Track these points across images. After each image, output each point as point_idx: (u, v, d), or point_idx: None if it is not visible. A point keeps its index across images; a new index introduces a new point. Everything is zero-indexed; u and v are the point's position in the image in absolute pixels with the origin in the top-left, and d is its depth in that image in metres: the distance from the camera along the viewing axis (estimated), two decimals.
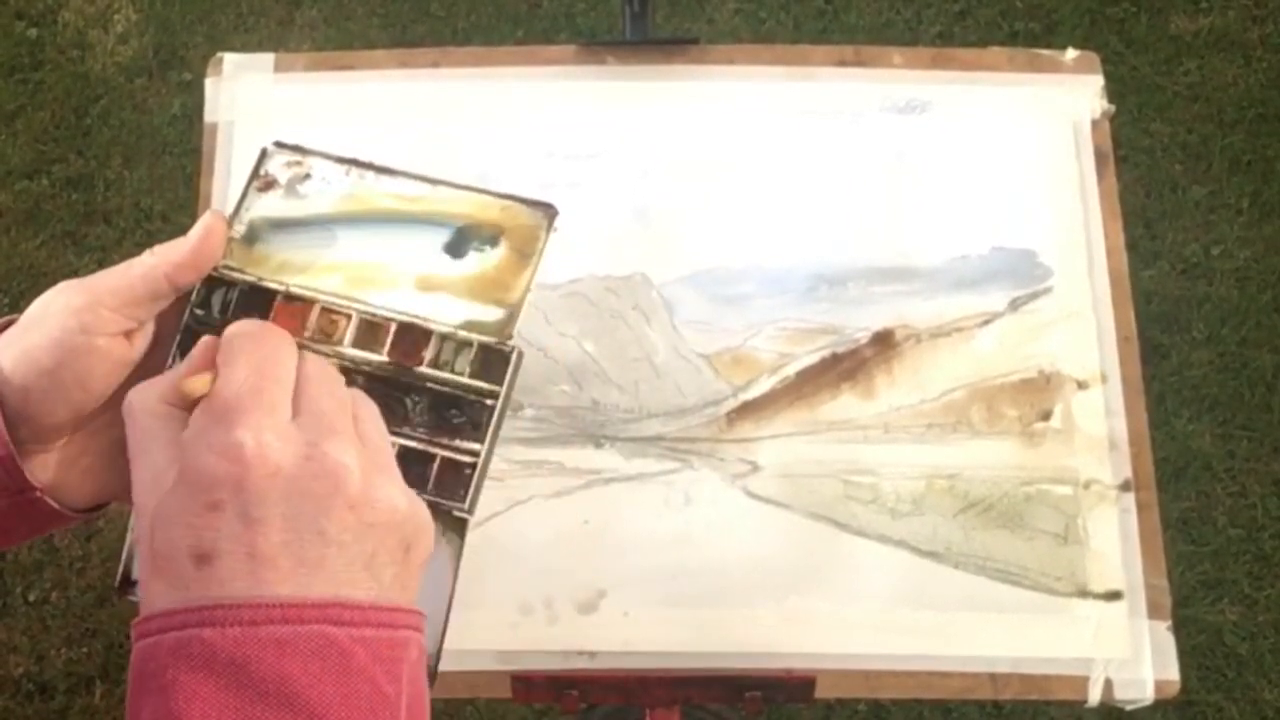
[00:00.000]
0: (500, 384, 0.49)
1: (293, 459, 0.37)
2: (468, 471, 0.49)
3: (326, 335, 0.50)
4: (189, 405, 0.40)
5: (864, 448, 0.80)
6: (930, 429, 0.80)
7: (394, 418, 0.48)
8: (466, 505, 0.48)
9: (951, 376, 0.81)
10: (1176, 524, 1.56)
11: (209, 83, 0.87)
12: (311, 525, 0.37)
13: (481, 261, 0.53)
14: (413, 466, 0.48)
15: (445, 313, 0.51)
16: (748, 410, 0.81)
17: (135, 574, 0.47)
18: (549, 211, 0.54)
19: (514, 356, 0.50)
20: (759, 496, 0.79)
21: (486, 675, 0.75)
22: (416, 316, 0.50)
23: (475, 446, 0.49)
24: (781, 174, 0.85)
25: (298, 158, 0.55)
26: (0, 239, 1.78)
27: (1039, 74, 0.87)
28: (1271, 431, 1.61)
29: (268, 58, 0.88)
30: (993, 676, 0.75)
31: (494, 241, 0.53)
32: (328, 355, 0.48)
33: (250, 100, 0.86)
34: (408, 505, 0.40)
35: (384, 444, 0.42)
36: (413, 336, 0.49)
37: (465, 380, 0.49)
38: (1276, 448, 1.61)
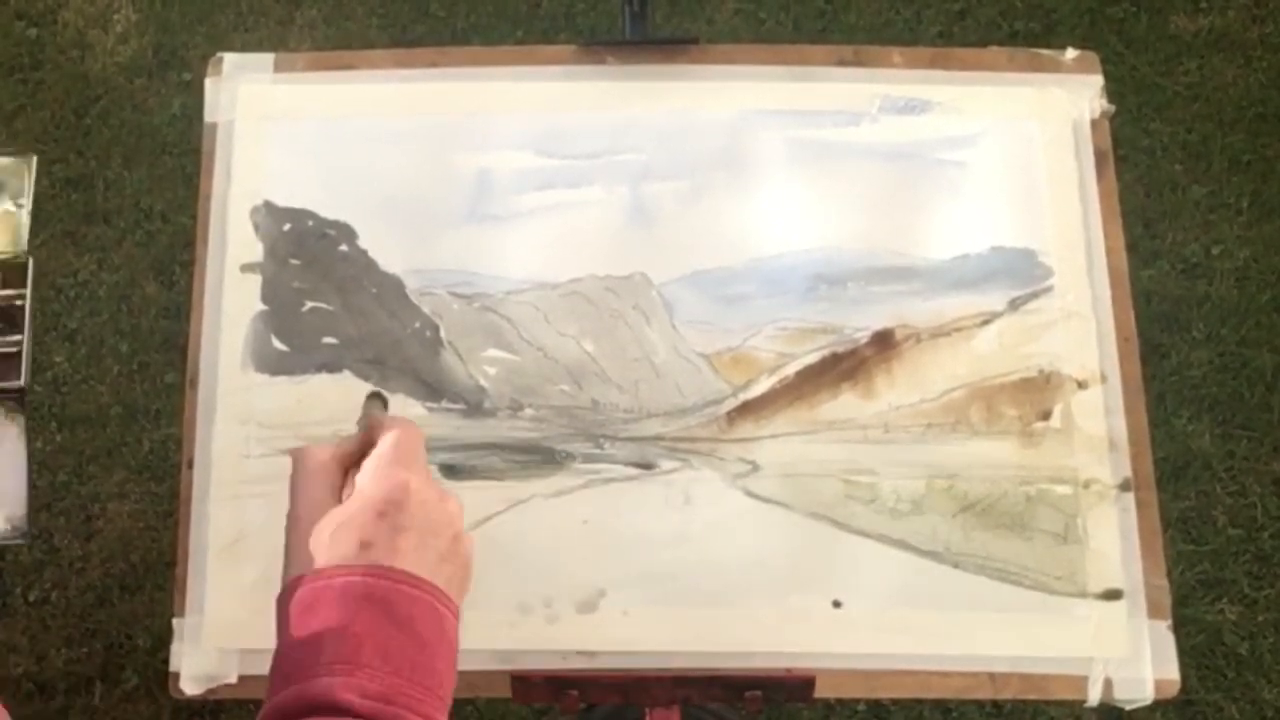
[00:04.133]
0: (24, 286, 0.69)
1: (433, 500, 0.59)
2: (18, 357, 0.67)
3: None
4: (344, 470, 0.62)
5: (864, 447, 0.80)
6: (930, 429, 0.80)
7: None
8: (22, 381, 0.66)
9: (951, 376, 0.81)
10: (1176, 524, 1.56)
11: (209, 83, 0.87)
12: (432, 540, 0.58)
13: None
14: None
15: None
16: (748, 410, 0.81)
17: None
18: (27, 156, 0.75)
19: (29, 264, 0.69)
20: (759, 496, 0.79)
21: (486, 675, 0.75)
22: None
23: (17, 337, 0.67)
24: (781, 174, 0.85)
25: None
26: None
27: (1039, 74, 0.87)
28: (1271, 431, 1.61)
29: (267, 58, 0.88)
30: (992, 676, 0.75)
31: None
32: None
33: (250, 100, 0.86)
34: (470, 558, 0.60)
35: None
36: None
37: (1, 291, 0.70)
38: (1276, 447, 1.61)
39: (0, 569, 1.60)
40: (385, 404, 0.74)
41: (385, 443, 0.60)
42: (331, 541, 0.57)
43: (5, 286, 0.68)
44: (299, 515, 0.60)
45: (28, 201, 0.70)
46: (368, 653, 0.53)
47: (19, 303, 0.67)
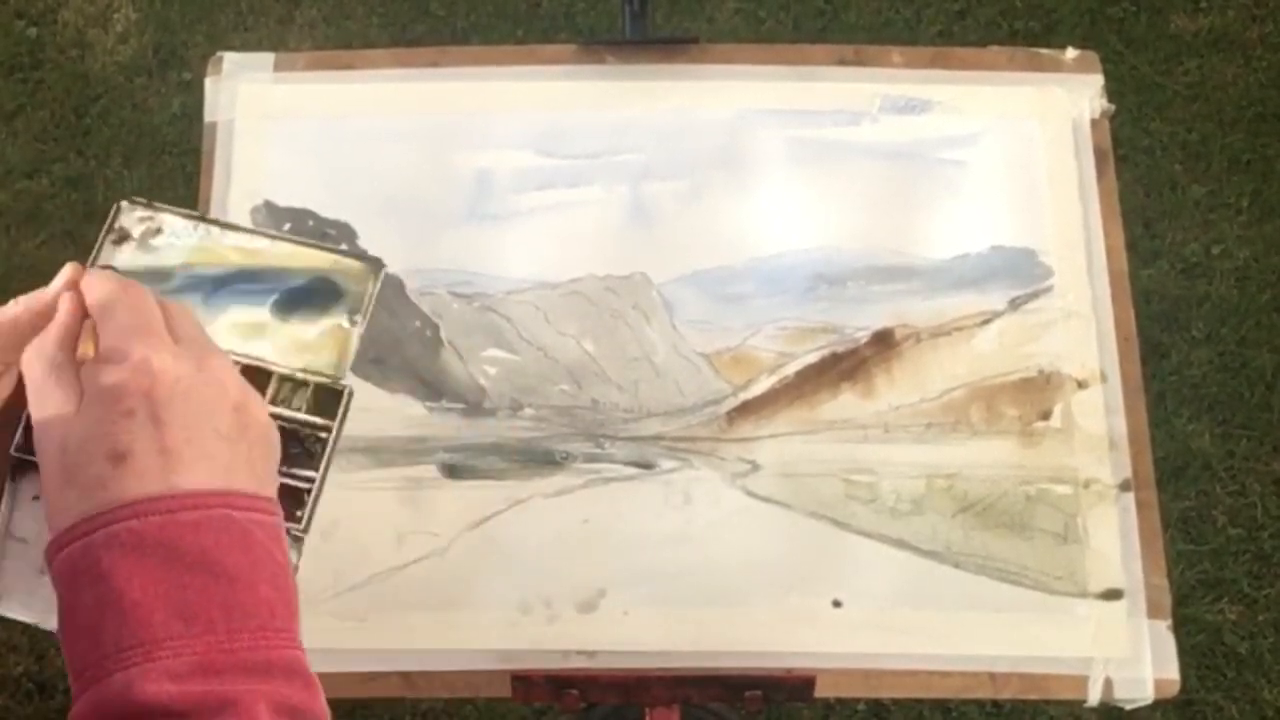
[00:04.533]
0: (333, 419, 0.56)
1: (187, 371, 0.45)
2: (305, 496, 0.55)
3: None
4: (80, 361, 0.47)
5: (864, 447, 0.79)
6: (930, 428, 0.80)
7: None
8: (303, 526, 0.54)
9: (951, 376, 0.81)
10: (1176, 524, 1.56)
11: (209, 82, 0.87)
12: (207, 424, 0.45)
13: (321, 311, 0.61)
14: None
15: (285, 357, 0.59)
16: (747, 409, 0.81)
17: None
18: (376, 265, 0.61)
19: (345, 394, 0.57)
20: (759, 496, 0.79)
21: (486, 674, 0.75)
22: (259, 359, 0.57)
23: (310, 474, 0.55)
24: (781, 173, 0.85)
25: (149, 213, 0.60)
26: (0, 239, 1.78)
27: (1039, 73, 0.87)
28: (1271, 431, 1.61)
29: (267, 57, 0.88)
30: (992, 676, 0.75)
31: (332, 295, 0.61)
32: None
33: (250, 99, 0.86)
34: (267, 416, 0.48)
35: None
36: (254, 378, 0.55)
37: (302, 416, 0.57)
38: (1276, 447, 1.61)
39: None
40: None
41: (96, 310, 0.47)
42: (79, 462, 0.44)
43: (315, 412, 0.58)
44: (44, 430, 0.46)
45: (364, 320, 0.60)
46: (160, 621, 0.41)
47: (324, 435, 0.57)
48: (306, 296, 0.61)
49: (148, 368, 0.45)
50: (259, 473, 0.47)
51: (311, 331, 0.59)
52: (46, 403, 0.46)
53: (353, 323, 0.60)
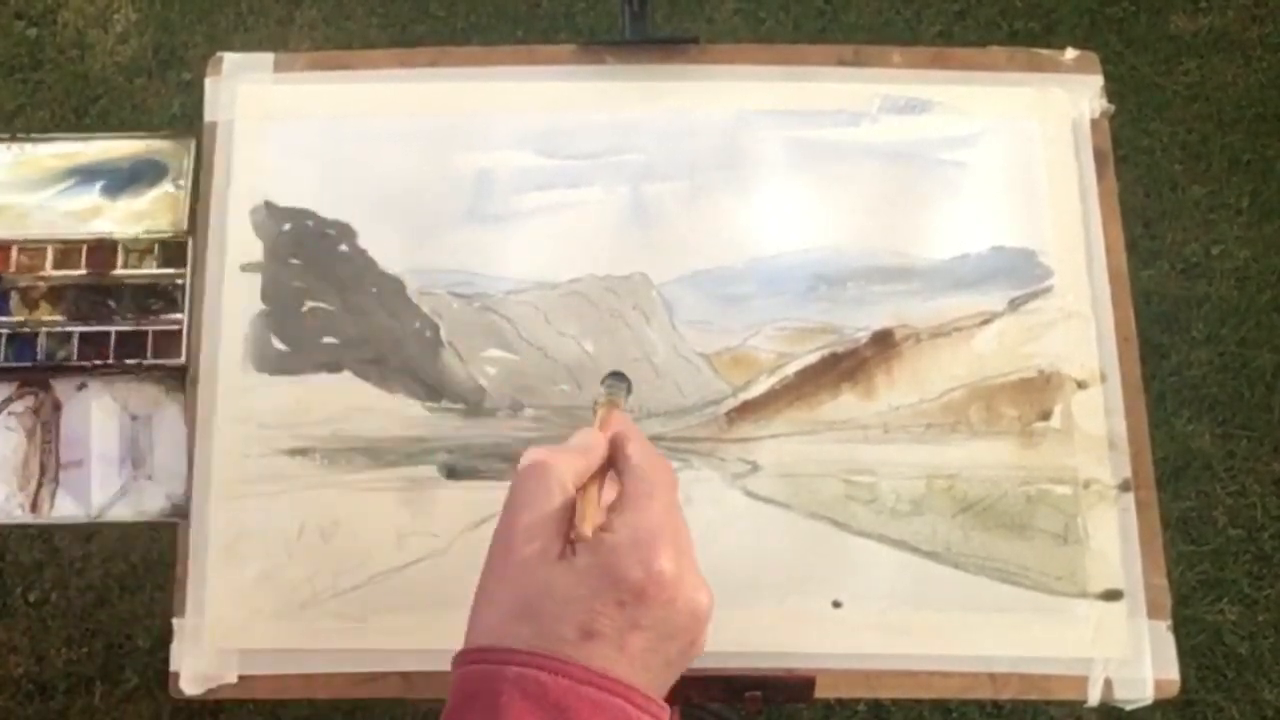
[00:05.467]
0: (184, 267, 0.72)
1: (686, 599, 0.48)
2: (180, 335, 0.69)
3: (30, 268, 0.74)
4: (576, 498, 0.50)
5: (864, 448, 0.80)
6: (930, 429, 0.80)
7: (102, 316, 0.73)
8: (184, 359, 0.68)
9: (951, 376, 0.81)
10: (1176, 524, 1.56)
11: (209, 82, 0.87)
12: (667, 648, 0.48)
13: (150, 185, 0.75)
14: (129, 346, 0.74)
15: (125, 228, 0.72)
16: (747, 410, 0.81)
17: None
18: (186, 136, 0.76)
19: (189, 244, 0.71)
20: (759, 496, 0.79)
21: None
22: (104, 234, 0.71)
23: (178, 315, 0.70)
24: (781, 173, 0.85)
25: None
26: None
27: (1038, 73, 0.87)
28: (1271, 431, 1.61)
29: (267, 57, 0.88)
30: (992, 676, 0.75)
31: (156, 170, 0.76)
32: (35, 283, 0.73)
33: (250, 99, 0.86)
34: (701, 649, 0.50)
35: None
36: (103, 251, 0.71)
37: (157, 271, 0.72)
38: (1276, 448, 1.61)
39: (0, 569, 1.60)
40: (629, 388, 0.64)
41: (644, 490, 0.50)
42: (546, 612, 0.47)
43: (166, 265, 0.72)
44: (513, 544, 0.49)
45: (187, 183, 0.75)
46: None
47: (180, 282, 0.71)
48: (131, 177, 0.74)
49: (660, 578, 0.47)
50: (667, 680, 0.49)
51: (143, 202, 0.73)
52: (526, 520, 0.49)
53: (179, 188, 0.75)
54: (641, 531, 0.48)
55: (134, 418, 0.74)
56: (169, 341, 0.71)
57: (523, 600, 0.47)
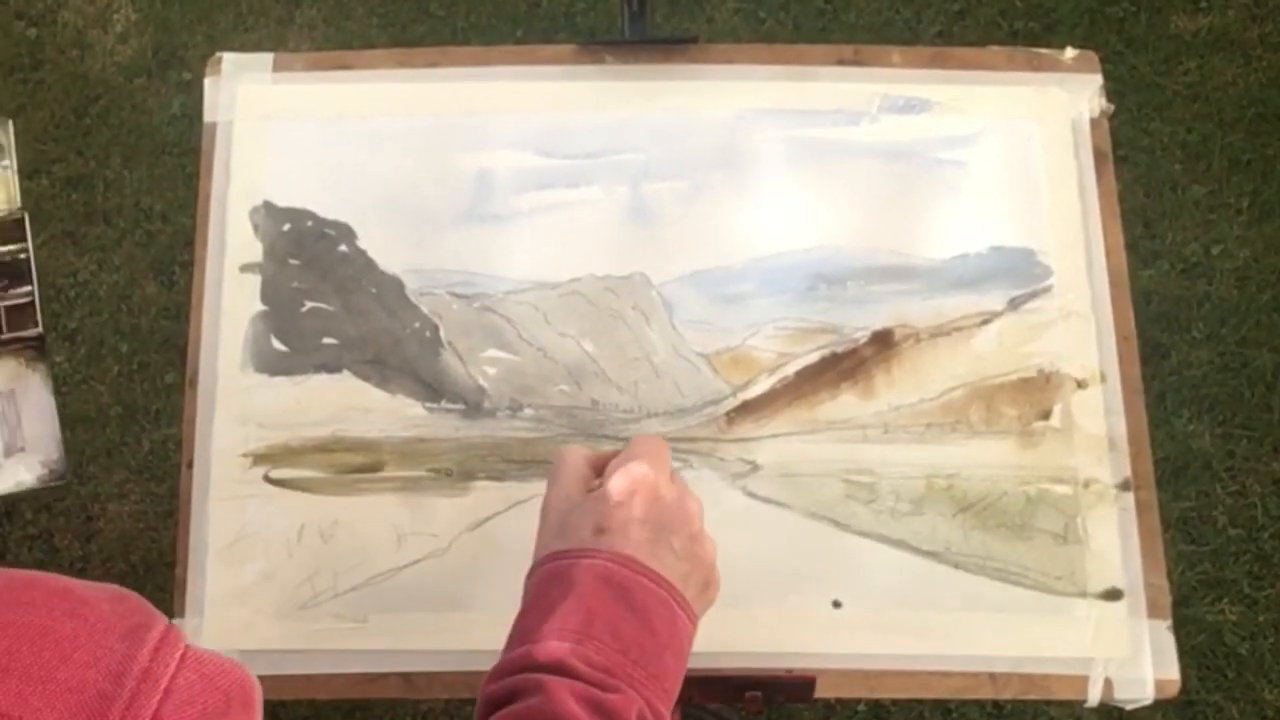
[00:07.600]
0: (24, 241, 0.74)
1: (669, 495, 0.62)
2: (31, 307, 0.71)
3: None
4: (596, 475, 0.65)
5: (864, 447, 0.80)
6: (930, 429, 0.80)
7: None
8: (39, 329, 0.70)
9: (951, 376, 0.81)
10: (1176, 524, 1.56)
11: (208, 82, 0.87)
12: (664, 536, 0.61)
13: None
14: None
15: None
16: (747, 410, 0.81)
17: None
18: (3, 120, 0.78)
19: (25, 219, 0.74)
20: (759, 496, 0.79)
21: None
22: None
23: (28, 288, 0.73)
24: (781, 173, 0.85)
25: None
26: None
27: (1038, 73, 0.87)
28: (1271, 431, 1.61)
29: (267, 57, 0.88)
30: (993, 676, 0.75)
31: None
32: None
33: (249, 100, 0.86)
34: (713, 561, 0.63)
35: None
36: None
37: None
38: (1276, 448, 1.61)
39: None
40: None
41: (630, 446, 0.65)
42: (572, 525, 0.61)
43: (7, 242, 0.74)
44: (550, 504, 0.64)
45: (12, 160, 0.76)
46: (599, 627, 0.56)
47: (22, 256, 0.73)
48: None
49: (643, 479, 0.61)
50: (692, 590, 0.60)
51: None
52: (560, 490, 0.64)
53: (4, 166, 0.79)
54: (626, 459, 0.63)
55: None
56: (21, 315, 0.73)
57: (559, 525, 0.62)
